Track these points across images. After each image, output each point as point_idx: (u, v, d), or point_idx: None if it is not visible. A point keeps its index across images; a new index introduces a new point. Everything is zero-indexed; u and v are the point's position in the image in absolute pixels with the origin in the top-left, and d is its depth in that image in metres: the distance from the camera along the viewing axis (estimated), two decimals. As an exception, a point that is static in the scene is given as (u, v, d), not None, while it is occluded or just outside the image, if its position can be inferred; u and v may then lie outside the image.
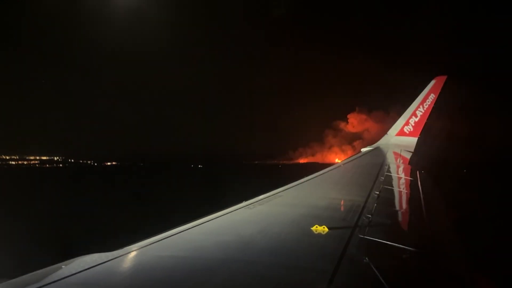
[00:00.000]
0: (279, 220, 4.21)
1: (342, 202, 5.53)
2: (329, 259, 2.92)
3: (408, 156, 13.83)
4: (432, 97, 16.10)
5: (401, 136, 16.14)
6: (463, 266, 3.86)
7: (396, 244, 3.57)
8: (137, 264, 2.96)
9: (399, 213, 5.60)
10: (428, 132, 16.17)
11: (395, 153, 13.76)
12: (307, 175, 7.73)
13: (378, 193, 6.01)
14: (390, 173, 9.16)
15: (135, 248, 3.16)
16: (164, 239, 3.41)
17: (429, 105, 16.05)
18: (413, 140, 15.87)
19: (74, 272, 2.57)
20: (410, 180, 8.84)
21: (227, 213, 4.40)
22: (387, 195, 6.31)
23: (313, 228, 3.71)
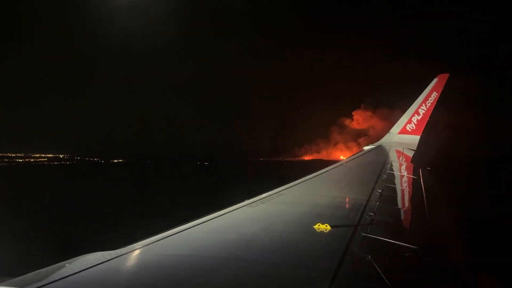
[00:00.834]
0: (282, 219, 4.22)
1: (344, 201, 5.53)
2: (332, 257, 2.93)
3: (410, 154, 13.80)
4: (434, 95, 16.06)
5: (403, 134, 16.10)
6: (465, 265, 3.86)
7: (399, 243, 3.57)
8: (140, 262, 2.98)
9: (402, 211, 5.59)
10: (430, 130, 16.14)
11: (397, 151, 13.73)
12: (311, 173, 7.75)
13: (380, 191, 6.01)
14: (393, 171, 9.15)
15: (138, 247, 3.17)
16: (166, 237, 3.42)
17: (431, 103, 16.00)
18: (416, 138, 15.83)
19: (77, 270, 2.58)
20: (413, 178, 8.83)
21: (229, 212, 4.41)
22: (390, 194, 6.31)
23: (316, 227, 3.72)
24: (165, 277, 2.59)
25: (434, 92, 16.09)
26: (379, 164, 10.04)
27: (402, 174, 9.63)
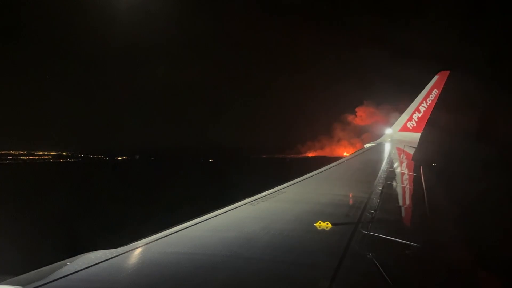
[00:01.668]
0: (283, 217, 4.22)
1: (345, 198, 5.53)
2: (333, 254, 2.93)
3: (411, 151, 13.80)
4: (435, 92, 16.03)
5: (404, 132, 16.09)
6: (466, 262, 3.87)
7: (399, 240, 3.58)
8: (142, 260, 2.98)
9: (402, 209, 5.60)
10: (431, 127, 16.11)
11: (398, 149, 13.73)
12: (313, 169, 7.77)
13: (381, 189, 6.02)
14: (393, 168, 9.16)
15: (139, 245, 3.18)
16: (168, 235, 3.43)
17: (432, 100, 15.98)
18: (416, 135, 15.82)
19: (79, 268, 2.59)
20: (413, 175, 8.83)
21: (230, 210, 4.42)
22: (390, 191, 6.31)
23: (317, 224, 3.72)
24: (166, 275, 2.60)
25: (435, 90, 16.06)
26: (380, 161, 10.05)
27: (402, 171, 9.63)
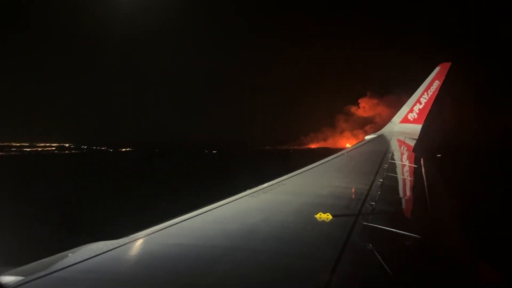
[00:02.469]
0: (283, 208, 4.23)
1: (345, 190, 5.53)
2: (333, 246, 2.94)
3: (412, 143, 13.78)
4: (436, 84, 15.96)
5: (405, 123, 16.05)
6: (466, 254, 3.88)
7: (400, 231, 3.58)
8: (142, 252, 2.99)
9: (403, 200, 5.60)
10: (432, 119, 16.07)
11: (399, 141, 13.71)
12: (315, 161, 7.78)
13: (381, 180, 6.02)
14: (394, 160, 9.15)
15: (140, 236, 3.19)
16: (168, 227, 3.43)
17: (433, 92, 15.91)
18: (418, 127, 15.78)
19: (80, 260, 2.60)
20: (414, 167, 8.83)
21: (231, 202, 4.42)
22: (391, 183, 6.32)
23: (317, 216, 3.73)
24: (167, 267, 2.61)
25: (436, 81, 15.99)
26: (381, 153, 10.04)
27: (403, 163, 9.63)
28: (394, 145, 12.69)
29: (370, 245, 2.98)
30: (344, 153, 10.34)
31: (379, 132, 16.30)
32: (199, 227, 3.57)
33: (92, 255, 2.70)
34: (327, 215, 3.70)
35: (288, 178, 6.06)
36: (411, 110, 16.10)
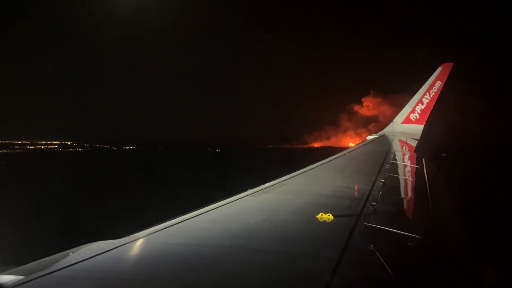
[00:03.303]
0: (285, 208, 4.22)
1: (347, 190, 5.52)
2: (334, 246, 2.93)
3: (414, 143, 13.76)
4: (438, 84, 15.93)
5: (407, 124, 16.02)
6: (468, 254, 3.86)
7: (401, 232, 3.57)
8: (143, 251, 2.99)
9: (404, 201, 5.59)
10: (434, 119, 16.04)
11: (401, 141, 13.68)
12: (317, 160, 7.77)
13: (383, 181, 6.00)
14: (396, 161, 9.14)
15: (141, 236, 3.18)
16: (170, 226, 3.43)
17: (435, 92, 15.88)
18: (419, 127, 15.75)
19: (81, 259, 2.60)
20: (416, 168, 8.81)
21: (232, 201, 4.42)
22: (393, 183, 6.30)
23: (318, 216, 3.72)
24: (168, 266, 2.60)
25: (438, 81, 15.96)
26: (382, 153, 10.02)
27: (405, 163, 9.61)
28: (396, 146, 12.66)
29: (372, 245, 2.96)
30: (345, 153, 10.33)
31: (381, 133, 16.28)
32: (200, 227, 3.56)
33: (93, 254, 2.69)
34: (329, 215, 3.69)
35: (289, 178, 6.06)
36: (413, 111, 16.07)
